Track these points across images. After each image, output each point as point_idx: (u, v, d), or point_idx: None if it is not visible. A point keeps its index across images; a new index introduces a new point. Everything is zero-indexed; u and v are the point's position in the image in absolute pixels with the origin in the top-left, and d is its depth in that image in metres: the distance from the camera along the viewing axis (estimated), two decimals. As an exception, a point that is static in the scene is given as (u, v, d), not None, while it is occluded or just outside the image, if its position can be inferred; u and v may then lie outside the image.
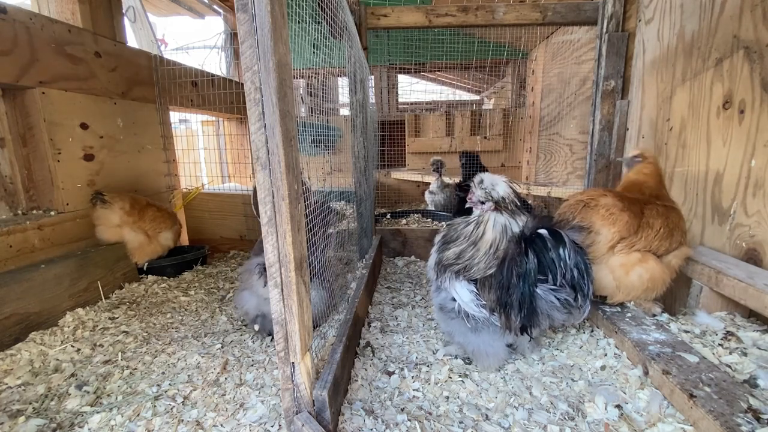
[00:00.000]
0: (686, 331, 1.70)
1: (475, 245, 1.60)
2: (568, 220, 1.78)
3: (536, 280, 1.51)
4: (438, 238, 1.78)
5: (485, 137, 5.33)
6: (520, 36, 4.79)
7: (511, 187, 1.62)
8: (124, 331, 2.09)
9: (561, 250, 1.50)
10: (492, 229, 1.60)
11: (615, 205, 1.77)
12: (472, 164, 3.82)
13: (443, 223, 3.54)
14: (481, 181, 1.63)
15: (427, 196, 4.41)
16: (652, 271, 1.75)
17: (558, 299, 1.53)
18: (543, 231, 1.54)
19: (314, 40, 1.81)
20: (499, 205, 1.60)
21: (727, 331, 1.64)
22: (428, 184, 4.87)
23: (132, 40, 4.40)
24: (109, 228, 2.71)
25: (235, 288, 2.70)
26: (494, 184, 1.61)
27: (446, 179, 4.37)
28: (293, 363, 1.19)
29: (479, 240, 1.60)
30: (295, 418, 1.24)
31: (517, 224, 1.60)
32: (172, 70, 3.35)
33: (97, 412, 1.47)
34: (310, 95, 6.30)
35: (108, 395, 1.59)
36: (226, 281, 2.87)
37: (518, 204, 1.62)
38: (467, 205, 1.71)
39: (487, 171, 2.44)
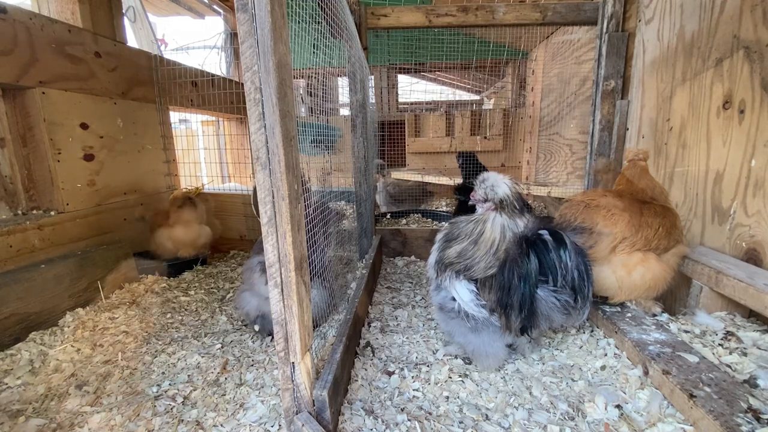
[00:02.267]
0: (686, 331, 1.70)
1: (476, 244, 1.60)
2: (570, 222, 1.78)
3: (537, 281, 1.51)
4: (440, 235, 1.78)
5: (485, 137, 5.32)
6: (520, 36, 4.79)
7: (512, 189, 1.62)
8: (124, 331, 2.09)
9: (562, 252, 1.50)
10: (491, 228, 1.60)
11: (616, 205, 1.77)
12: (471, 164, 3.81)
13: (443, 223, 3.55)
14: (483, 180, 1.64)
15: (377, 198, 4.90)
16: (653, 271, 1.75)
17: (558, 301, 1.53)
18: (544, 232, 1.53)
19: (314, 40, 1.81)
20: (498, 206, 1.60)
21: (727, 331, 1.64)
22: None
23: (132, 40, 4.40)
24: (197, 224, 3.05)
25: (235, 288, 2.70)
26: (495, 184, 1.61)
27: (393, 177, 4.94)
28: (293, 363, 1.19)
29: (480, 239, 1.60)
30: (295, 418, 1.24)
31: (517, 226, 1.60)
32: (172, 70, 3.35)
33: (97, 412, 1.48)
34: (310, 95, 6.29)
35: (108, 395, 1.59)
36: (226, 281, 2.87)
37: (518, 206, 1.62)
38: (471, 203, 1.71)
39: (485, 170, 2.44)
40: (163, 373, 1.74)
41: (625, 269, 1.77)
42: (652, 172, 2.03)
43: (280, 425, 1.37)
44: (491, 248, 1.58)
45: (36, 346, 1.93)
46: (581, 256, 1.53)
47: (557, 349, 1.80)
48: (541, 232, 1.54)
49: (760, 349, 1.51)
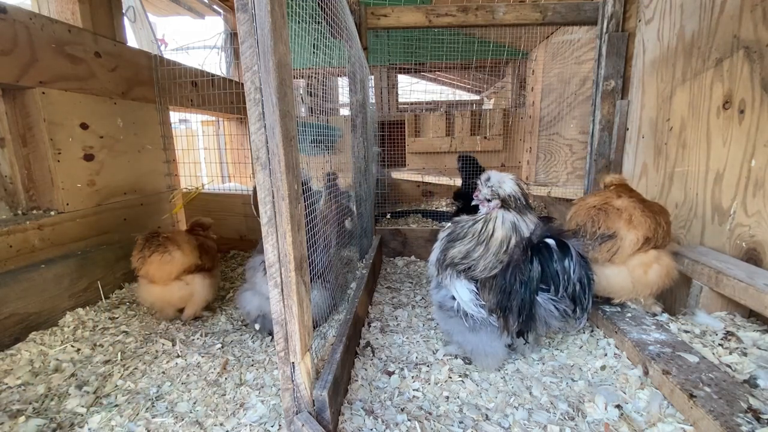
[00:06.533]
0: (686, 331, 1.70)
1: (484, 244, 1.59)
2: (594, 232, 1.77)
3: (538, 288, 1.50)
4: (442, 234, 1.77)
5: (485, 137, 5.32)
6: (520, 36, 4.79)
7: (518, 185, 1.62)
8: (124, 331, 2.09)
9: (566, 263, 1.49)
10: (501, 227, 1.59)
11: (635, 206, 1.77)
12: (471, 167, 3.81)
13: (444, 223, 3.55)
14: (488, 179, 1.63)
15: None
16: (667, 267, 1.77)
17: (557, 309, 1.53)
18: (550, 241, 1.51)
19: (314, 40, 1.81)
20: (505, 203, 1.60)
21: (727, 331, 1.64)
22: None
23: (132, 40, 4.40)
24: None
25: (235, 288, 2.70)
26: (501, 181, 1.61)
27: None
28: (293, 363, 1.19)
29: (489, 239, 1.59)
30: (295, 418, 1.24)
31: (526, 224, 1.59)
32: (172, 70, 3.34)
33: (97, 412, 1.48)
34: (310, 95, 6.29)
35: (108, 395, 1.59)
36: (226, 281, 2.87)
37: (526, 202, 1.62)
38: (474, 202, 1.70)
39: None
40: (163, 372, 1.74)
41: (642, 269, 1.77)
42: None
43: (280, 425, 1.37)
44: (501, 247, 1.57)
45: (36, 346, 1.93)
46: (585, 268, 1.52)
47: (557, 349, 1.80)
48: (547, 240, 1.51)
49: (760, 349, 1.51)
